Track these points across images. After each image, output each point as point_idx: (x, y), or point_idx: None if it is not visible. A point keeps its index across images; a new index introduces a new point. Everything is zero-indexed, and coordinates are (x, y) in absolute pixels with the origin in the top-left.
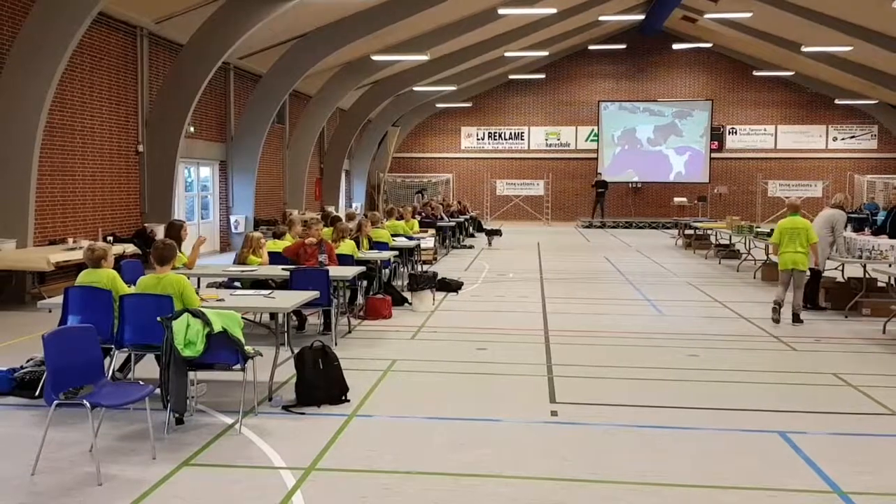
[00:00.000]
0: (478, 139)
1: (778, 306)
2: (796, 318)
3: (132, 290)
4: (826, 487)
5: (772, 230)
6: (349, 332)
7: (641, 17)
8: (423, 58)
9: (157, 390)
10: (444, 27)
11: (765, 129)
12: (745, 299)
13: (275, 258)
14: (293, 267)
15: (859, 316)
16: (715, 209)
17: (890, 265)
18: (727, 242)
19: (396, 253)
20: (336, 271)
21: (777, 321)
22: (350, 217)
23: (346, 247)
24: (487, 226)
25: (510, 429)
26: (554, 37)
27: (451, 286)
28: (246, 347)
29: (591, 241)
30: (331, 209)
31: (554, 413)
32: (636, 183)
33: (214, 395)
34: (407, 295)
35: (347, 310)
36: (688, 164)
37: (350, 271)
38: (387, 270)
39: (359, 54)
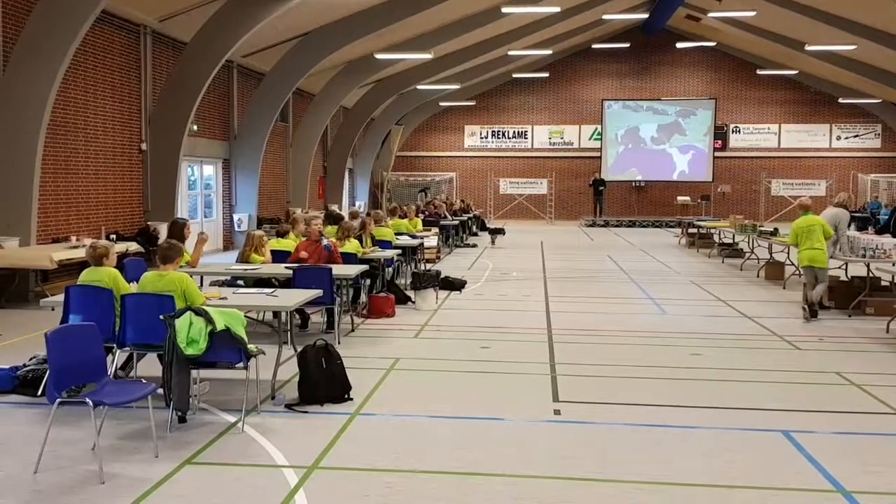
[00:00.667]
0: (481, 138)
1: (808, 306)
2: (813, 313)
3: (134, 287)
4: (829, 487)
5: (775, 229)
6: (352, 330)
7: (645, 16)
8: (427, 56)
9: (160, 389)
10: (448, 26)
11: (768, 128)
12: (748, 298)
13: (278, 256)
14: (296, 265)
15: (863, 315)
16: (718, 208)
17: (894, 264)
18: (730, 241)
19: (400, 251)
20: (339, 270)
21: (815, 314)
22: (353, 216)
23: (351, 246)
24: (491, 224)
25: (513, 428)
26: (557, 35)
27: (455, 285)
28: (249, 346)
29: (594, 240)
30: (334, 207)
31: (557, 412)
32: (639, 182)
33: (217, 393)
34: (410, 293)
35: (350, 308)
36: (691, 162)
37: (353, 270)
38: (390, 269)
39: (362, 53)
